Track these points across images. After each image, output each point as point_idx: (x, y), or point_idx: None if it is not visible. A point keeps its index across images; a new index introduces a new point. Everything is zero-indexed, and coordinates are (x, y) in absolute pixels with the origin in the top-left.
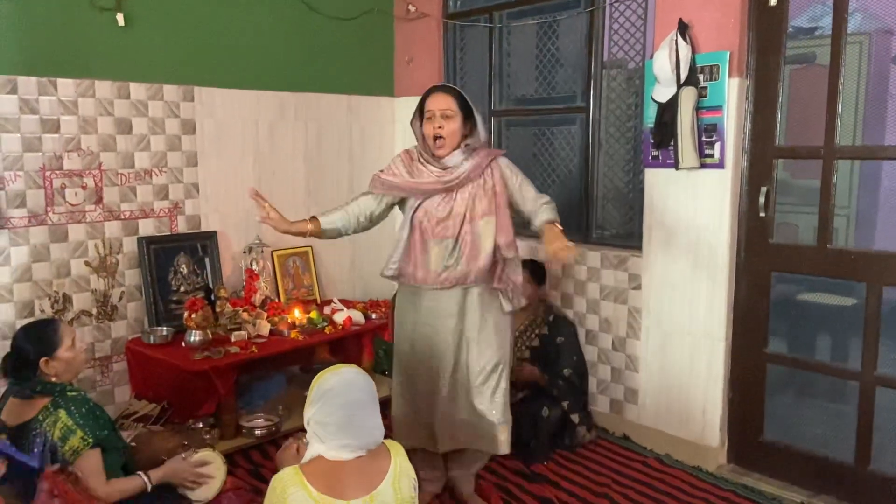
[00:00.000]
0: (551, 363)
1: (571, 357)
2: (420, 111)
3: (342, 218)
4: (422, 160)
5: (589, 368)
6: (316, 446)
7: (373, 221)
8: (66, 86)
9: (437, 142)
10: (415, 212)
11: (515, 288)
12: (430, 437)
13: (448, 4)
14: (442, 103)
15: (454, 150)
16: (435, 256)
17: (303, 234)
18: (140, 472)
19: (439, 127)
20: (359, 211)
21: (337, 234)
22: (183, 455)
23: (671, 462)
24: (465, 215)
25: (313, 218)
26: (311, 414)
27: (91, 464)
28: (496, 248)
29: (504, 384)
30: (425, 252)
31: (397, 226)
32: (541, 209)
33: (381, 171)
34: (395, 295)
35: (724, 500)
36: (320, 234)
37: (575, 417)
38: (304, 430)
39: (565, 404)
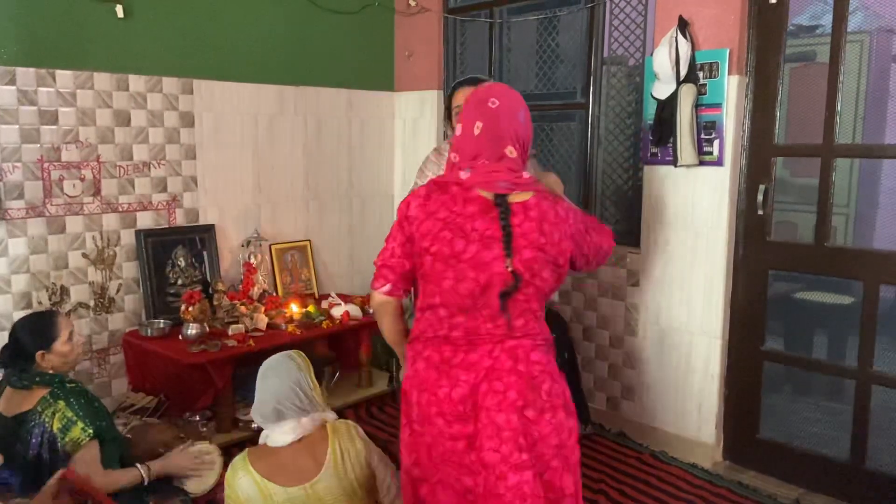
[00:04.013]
0: None
1: (561, 353)
2: (447, 108)
3: None
4: None
5: (586, 365)
6: (264, 432)
7: None
8: (65, 77)
9: None
10: None
11: None
12: None
13: None
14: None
15: None
16: None
17: None
18: (138, 465)
19: None
20: None
21: None
22: (182, 447)
23: (667, 459)
24: None
25: None
26: None
27: (89, 455)
28: None
29: None
30: None
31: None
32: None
33: (416, 183)
34: None
35: (720, 496)
36: None
37: None
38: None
39: None
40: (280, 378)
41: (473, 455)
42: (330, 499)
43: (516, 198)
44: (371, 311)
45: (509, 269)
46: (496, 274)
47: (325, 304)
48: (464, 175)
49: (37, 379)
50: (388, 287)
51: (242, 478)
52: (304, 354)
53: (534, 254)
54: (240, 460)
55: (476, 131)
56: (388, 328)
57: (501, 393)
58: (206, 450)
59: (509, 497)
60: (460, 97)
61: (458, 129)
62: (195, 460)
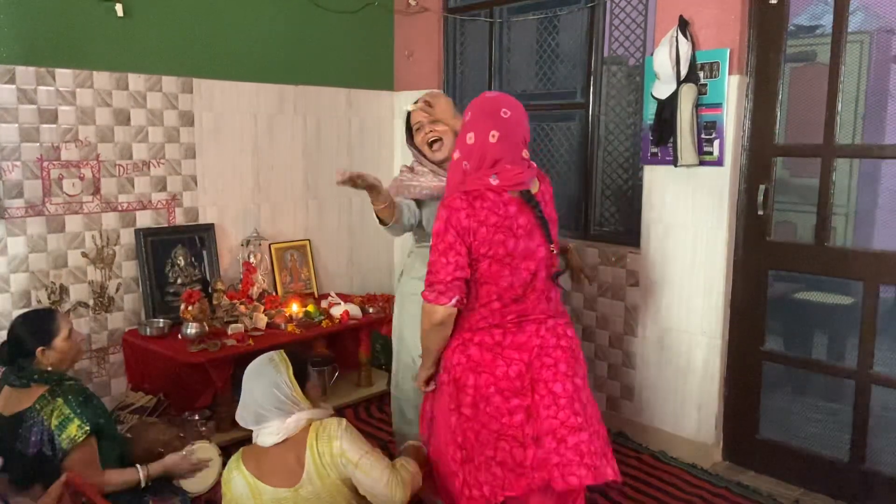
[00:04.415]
0: None
1: None
2: (408, 130)
3: (407, 208)
4: (426, 170)
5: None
6: (254, 432)
7: (414, 225)
8: (65, 76)
9: (434, 145)
10: None
11: None
12: None
13: None
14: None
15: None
16: None
17: (380, 196)
18: (138, 466)
19: (431, 131)
20: (410, 206)
21: (400, 221)
22: (184, 452)
23: (666, 459)
24: None
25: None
26: None
27: (86, 453)
28: None
29: None
30: None
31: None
32: None
33: (396, 178)
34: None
35: (719, 496)
36: (392, 207)
37: None
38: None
39: None
40: (258, 382)
41: (529, 428)
42: (315, 501)
43: (534, 189)
44: (434, 323)
45: (555, 251)
46: (541, 259)
47: (324, 304)
48: (494, 181)
49: (35, 377)
50: (457, 299)
51: (236, 476)
52: (283, 354)
53: (556, 230)
54: (234, 459)
55: (492, 139)
56: (445, 338)
57: (553, 366)
58: (204, 455)
59: (570, 456)
60: (414, 117)
61: (470, 137)
62: (192, 465)
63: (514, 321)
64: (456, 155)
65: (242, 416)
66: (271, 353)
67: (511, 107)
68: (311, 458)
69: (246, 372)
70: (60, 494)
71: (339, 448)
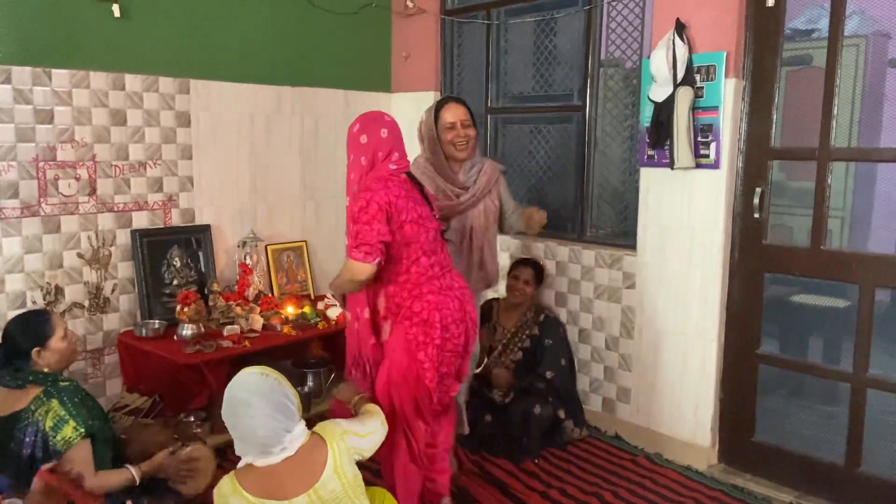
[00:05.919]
0: (538, 364)
1: (557, 360)
2: (435, 121)
3: None
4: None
5: (581, 367)
6: (245, 456)
7: None
8: (61, 76)
9: (459, 145)
10: None
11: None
12: None
13: (446, 1)
14: (461, 114)
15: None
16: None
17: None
18: (128, 466)
19: (466, 134)
20: None
21: None
22: (171, 449)
23: (661, 461)
24: (480, 227)
25: None
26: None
27: (81, 455)
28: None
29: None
30: None
31: None
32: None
33: None
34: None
35: (714, 499)
36: None
37: (561, 413)
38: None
39: (549, 399)
40: (266, 401)
41: (465, 343)
42: (332, 501)
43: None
44: (357, 279)
45: (436, 216)
46: (434, 221)
47: (320, 305)
48: (393, 167)
49: (30, 378)
50: (378, 260)
51: (234, 502)
52: (267, 368)
53: (435, 203)
54: (228, 486)
55: (383, 135)
56: (358, 287)
57: (470, 300)
58: (197, 452)
59: (468, 358)
60: (448, 115)
61: (363, 138)
62: (182, 465)
63: (438, 272)
64: (352, 157)
65: (248, 447)
66: (257, 368)
67: (388, 115)
68: (333, 458)
69: (241, 398)
70: (41, 493)
71: (351, 444)
